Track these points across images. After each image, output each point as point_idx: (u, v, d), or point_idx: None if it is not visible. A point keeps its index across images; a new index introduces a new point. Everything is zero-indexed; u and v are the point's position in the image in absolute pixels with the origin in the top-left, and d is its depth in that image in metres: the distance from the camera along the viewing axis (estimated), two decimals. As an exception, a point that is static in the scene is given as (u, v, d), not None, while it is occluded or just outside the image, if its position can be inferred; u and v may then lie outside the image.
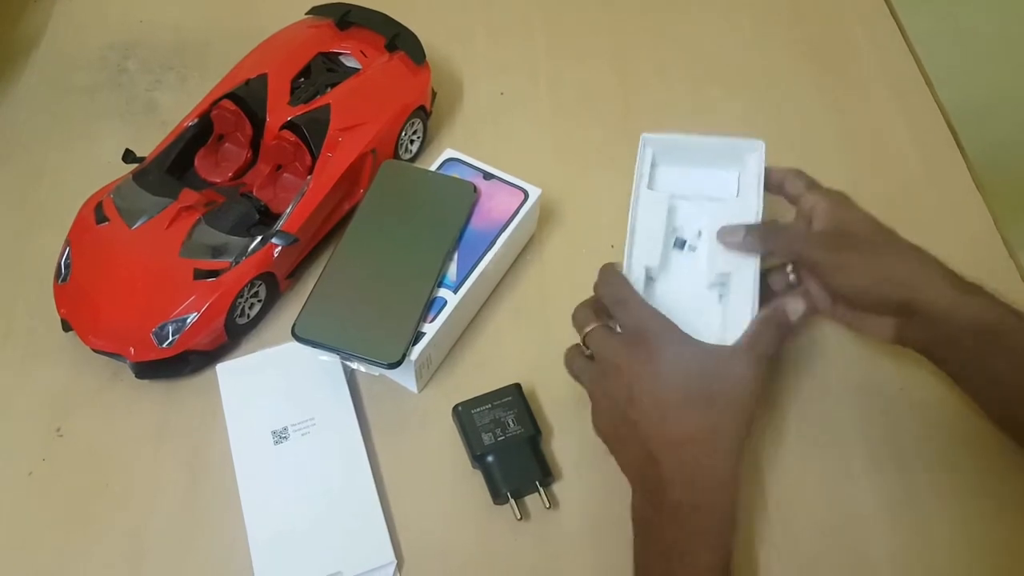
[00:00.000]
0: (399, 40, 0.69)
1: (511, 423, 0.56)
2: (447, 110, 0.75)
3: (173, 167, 0.63)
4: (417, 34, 0.70)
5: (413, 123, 0.69)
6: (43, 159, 0.71)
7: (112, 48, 0.79)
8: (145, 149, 0.64)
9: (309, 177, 0.62)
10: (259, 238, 0.59)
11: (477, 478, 0.56)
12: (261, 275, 0.60)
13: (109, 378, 0.60)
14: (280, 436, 0.56)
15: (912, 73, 0.79)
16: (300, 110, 0.64)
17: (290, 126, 0.63)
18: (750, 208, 0.57)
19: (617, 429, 0.52)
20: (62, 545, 0.54)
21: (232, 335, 0.60)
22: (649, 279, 0.57)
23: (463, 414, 0.56)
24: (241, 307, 0.60)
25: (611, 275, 0.54)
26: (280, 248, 0.60)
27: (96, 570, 0.53)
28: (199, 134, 0.65)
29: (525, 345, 0.62)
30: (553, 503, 0.55)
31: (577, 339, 0.55)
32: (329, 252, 0.64)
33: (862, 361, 0.62)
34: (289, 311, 0.63)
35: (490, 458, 0.55)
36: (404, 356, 0.55)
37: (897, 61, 0.80)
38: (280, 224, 0.60)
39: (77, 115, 0.74)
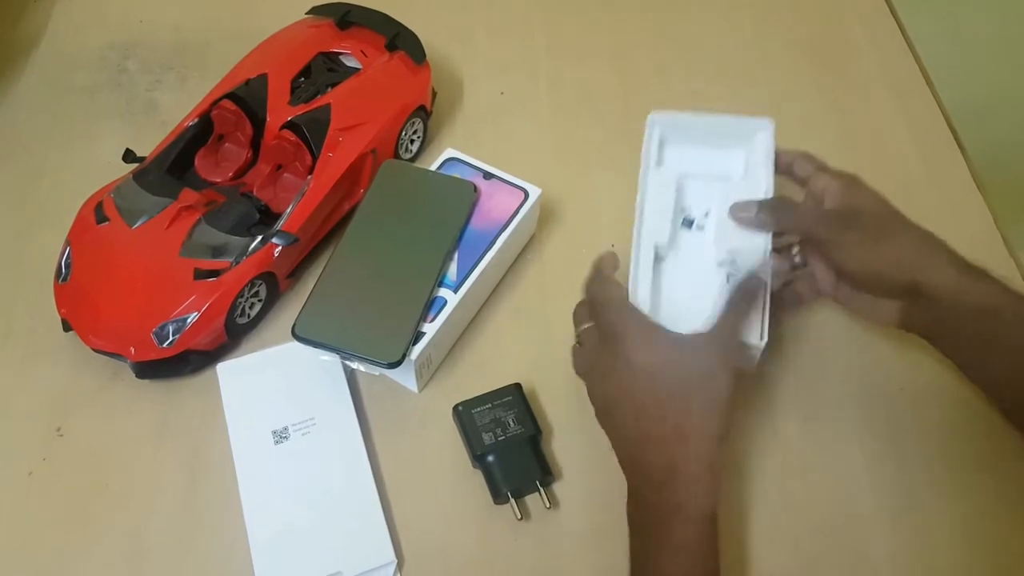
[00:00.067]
0: (399, 40, 0.69)
1: (511, 423, 0.56)
2: (447, 110, 0.75)
3: (173, 167, 0.63)
4: (417, 34, 0.70)
5: (413, 123, 0.69)
6: (43, 159, 0.71)
7: (112, 48, 0.79)
8: (145, 149, 0.64)
9: (309, 177, 0.62)
10: (259, 238, 0.59)
11: (477, 478, 0.56)
12: (261, 275, 0.60)
13: (109, 378, 0.60)
14: (280, 436, 0.56)
15: (912, 73, 0.79)
16: (300, 110, 0.64)
17: (290, 126, 0.63)
18: (759, 187, 0.57)
19: (608, 430, 0.52)
20: (62, 545, 0.54)
21: (232, 335, 0.60)
22: (657, 258, 0.56)
23: (463, 414, 0.56)
24: (241, 307, 0.60)
25: (597, 274, 0.54)
26: (280, 248, 0.60)
27: (96, 570, 0.53)
28: (199, 134, 0.65)
29: (525, 345, 0.62)
30: (553, 503, 0.55)
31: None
32: (329, 252, 0.64)
33: (862, 361, 0.62)
34: (289, 311, 0.63)
35: (490, 458, 0.55)
36: (404, 356, 0.55)
37: (897, 61, 0.80)
38: (280, 224, 0.60)
39: (77, 115, 0.74)
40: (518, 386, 0.58)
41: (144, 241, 0.59)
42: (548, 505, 0.55)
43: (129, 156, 0.63)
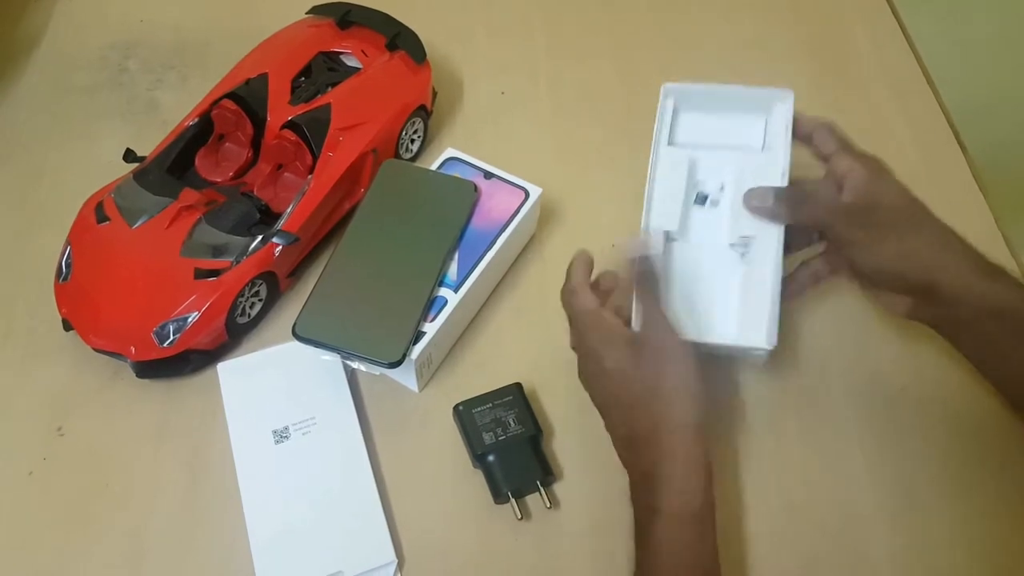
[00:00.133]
0: (400, 39, 0.69)
1: (512, 422, 0.56)
2: (448, 109, 0.75)
3: (174, 166, 0.63)
4: (417, 33, 0.70)
5: (414, 122, 0.69)
6: (43, 159, 0.71)
7: (113, 48, 0.79)
8: (146, 149, 0.64)
9: (310, 176, 0.62)
10: (260, 237, 0.59)
11: (478, 477, 0.56)
12: (262, 274, 0.60)
13: (110, 377, 0.60)
14: (281, 435, 0.56)
15: (913, 72, 0.79)
16: (301, 109, 0.64)
17: (291, 125, 0.63)
18: (777, 162, 0.55)
19: (609, 432, 0.52)
20: (62, 545, 0.54)
21: (233, 334, 0.60)
22: (669, 239, 0.55)
23: (464, 413, 0.56)
24: (242, 306, 0.60)
25: (566, 286, 0.54)
26: (281, 247, 0.60)
27: (96, 570, 0.53)
28: (200, 133, 0.65)
29: (526, 344, 0.62)
30: (554, 503, 0.55)
31: None
32: (330, 251, 0.64)
33: (863, 361, 0.62)
34: (290, 310, 0.63)
35: (491, 457, 0.55)
36: (405, 355, 0.55)
37: (898, 60, 0.80)
38: (281, 223, 0.60)
39: (77, 115, 0.74)
40: (519, 386, 0.58)
41: (145, 241, 0.59)
42: (548, 505, 0.55)
43: (130, 156, 0.63)
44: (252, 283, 0.59)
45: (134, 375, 0.59)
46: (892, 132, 0.75)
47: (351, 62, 0.69)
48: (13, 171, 0.70)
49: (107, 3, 0.82)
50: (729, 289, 0.54)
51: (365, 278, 0.58)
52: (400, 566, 0.53)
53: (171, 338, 0.57)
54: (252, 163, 0.65)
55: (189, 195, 0.60)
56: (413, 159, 0.71)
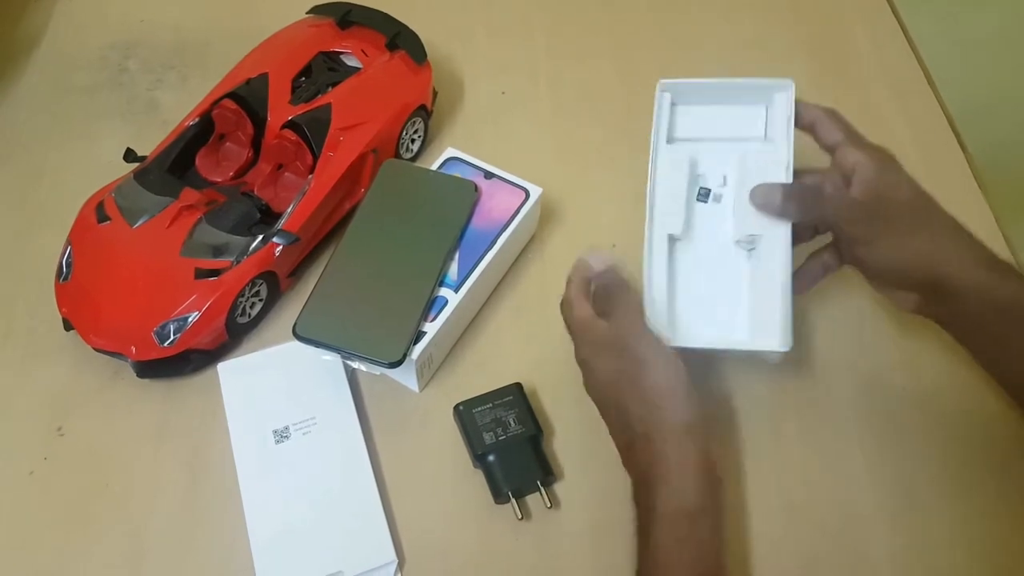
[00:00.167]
0: (400, 39, 0.69)
1: (512, 422, 0.56)
2: (448, 109, 0.75)
3: (174, 166, 0.63)
4: (417, 33, 0.70)
5: (414, 122, 0.69)
6: (43, 159, 0.71)
7: (113, 48, 0.79)
8: (146, 148, 0.64)
9: (310, 176, 0.62)
10: (260, 237, 0.59)
11: (478, 477, 0.56)
12: (262, 274, 0.60)
13: (110, 377, 0.60)
14: (281, 435, 0.56)
15: (914, 72, 0.79)
16: (301, 109, 0.64)
17: (291, 125, 0.63)
18: (780, 155, 0.53)
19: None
20: (62, 545, 0.54)
21: (233, 334, 0.60)
22: (672, 240, 0.55)
23: (464, 413, 0.56)
24: (242, 306, 0.60)
25: (564, 298, 0.54)
26: (281, 247, 0.60)
27: (96, 570, 0.53)
28: (200, 133, 0.65)
29: (526, 344, 0.62)
30: (554, 503, 0.55)
31: None
32: (330, 251, 0.64)
33: (863, 361, 0.62)
34: (290, 310, 0.63)
35: (491, 457, 0.55)
36: (405, 355, 0.55)
37: (898, 61, 0.80)
38: (281, 223, 0.60)
39: (78, 115, 0.74)
40: (519, 386, 0.58)
41: (145, 240, 0.59)
42: (549, 505, 0.55)
43: (130, 155, 0.63)
44: (252, 283, 0.59)
45: (134, 375, 0.59)
46: (892, 132, 0.74)
47: (351, 62, 0.69)
48: (13, 171, 0.70)
49: (107, 3, 0.82)
50: (738, 289, 0.53)
51: (365, 278, 0.58)
52: (400, 566, 0.53)
53: (171, 338, 0.57)
54: (252, 163, 0.65)
55: (189, 195, 0.60)
56: (413, 159, 0.71)
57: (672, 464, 0.47)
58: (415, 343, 0.55)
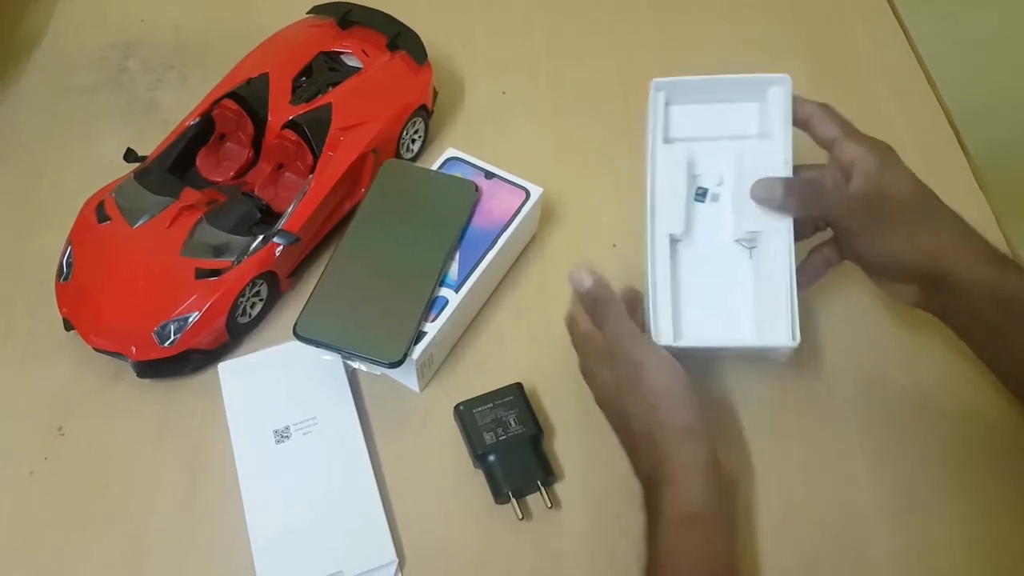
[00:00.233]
0: (401, 39, 0.69)
1: (513, 422, 0.56)
2: (448, 109, 0.75)
3: (175, 166, 0.63)
4: (418, 33, 0.70)
5: (415, 122, 0.69)
6: (43, 159, 0.71)
7: (113, 47, 0.79)
8: (146, 148, 0.64)
9: (311, 176, 0.62)
10: (261, 237, 0.59)
11: (479, 477, 0.56)
12: (263, 274, 0.60)
13: (111, 377, 0.60)
14: (282, 435, 0.56)
15: (914, 72, 0.79)
16: (301, 109, 0.64)
17: (292, 125, 0.63)
18: (777, 150, 0.53)
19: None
20: (62, 545, 0.54)
21: (234, 334, 0.60)
22: (675, 242, 0.54)
23: (465, 413, 0.56)
24: (243, 306, 0.60)
25: (568, 315, 0.55)
26: (282, 247, 0.60)
27: (96, 570, 0.53)
28: (200, 133, 0.65)
29: (527, 344, 0.62)
30: (555, 503, 0.55)
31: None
32: (331, 251, 0.64)
33: (863, 361, 0.62)
34: (291, 310, 0.63)
35: (491, 457, 0.55)
36: (405, 355, 0.55)
37: (899, 60, 0.80)
38: (282, 223, 0.60)
39: (78, 115, 0.74)
40: (519, 386, 0.58)
41: (145, 240, 0.59)
42: (549, 505, 0.55)
43: (130, 155, 0.63)
44: (253, 283, 0.59)
45: (135, 375, 0.59)
46: (892, 132, 0.74)
47: (352, 62, 0.69)
48: (13, 171, 0.70)
49: (107, 3, 0.82)
50: (741, 288, 0.53)
51: (366, 278, 0.58)
52: (401, 566, 0.53)
53: (172, 338, 0.57)
54: (253, 163, 0.65)
55: (190, 195, 0.60)
56: (414, 159, 0.71)
57: (677, 465, 0.47)
58: (416, 343, 0.55)
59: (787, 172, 0.54)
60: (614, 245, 0.66)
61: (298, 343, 0.55)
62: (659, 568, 0.46)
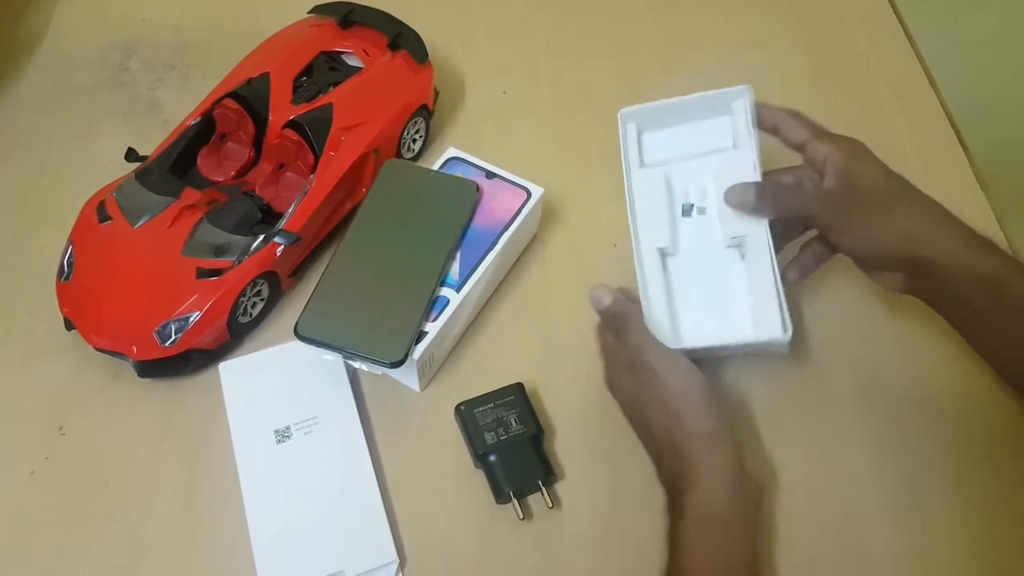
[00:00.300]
0: (401, 39, 0.69)
1: (513, 422, 0.56)
2: (449, 109, 0.75)
3: (175, 166, 0.63)
4: (419, 33, 0.70)
5: (415, 122, 0.69)
6: (44, 158, 0.71)
7: (114, 47, 0.79)
8: (147, 148, 0.64)
9: (311, 176, 0.62)
10: (261, 237, 0.59)
11: (479, 477, 0.56)
12: (264, 274, 0.60)
13: (111, 377, 0.60)
14: (283, 435, 0.56)
15: (914, 72, 0.79)
16: (302, 109, 0.64)
17: (292, 125, 0.63)
18: (748, 157, 0.55)
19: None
20: (62, 545, 0.54)
21: (235, 334, 0.60)
22: (666, 255, 0.56)
23: (465, 413, 0.56)
24: (244, 306, 0.60)
25: (598, 327, 0.55)
26: (282, 247, 0.60)
27: (96, 570, 0.53)
28: (201, 133, 0.65)
29: (528, 344, 0.62)
30: (555, 503, 0.55)
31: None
32: (331, 251, 0.64)
33: (864, 361, 0.62)
34: (291, 310, 0.63)
35: (492, 457, 0.55)
36: (406, 355, 0.55)
37: (899, 60, 0.80)
38: (282, 223, 0.60)
39: (78, 114, 0.74)
40: (520, 385, 0.58)
41: (146, 240, 0.59)
42: (550, 505, 0.55)
43: (131, 155, 0.63)
44: (254, 282, 0.59)
45: (136, 374, 0.59)
46: (893, 132, 0.75)
47: (353, 62, 0.69)
48: (13, 171, 0.70)
49: (108, 3, 0.82)
50: (737, 291, 0.55)
51: (367, 278, 0.58)
52: (402, 566, 0.53)
53: (173, 337, 0.57)
54: (254, 162, 0.65)
55: (191, 194, 0.60)
56: (415, 159, 0.71)
57: (700, 470, 0.48)
58: (416, 343, 0.55)
59: (757, 177, 0.55)
60: (615, 245, 0.66)
61: (299, 343, 0.55)
62: (678, 569, 0.46)
